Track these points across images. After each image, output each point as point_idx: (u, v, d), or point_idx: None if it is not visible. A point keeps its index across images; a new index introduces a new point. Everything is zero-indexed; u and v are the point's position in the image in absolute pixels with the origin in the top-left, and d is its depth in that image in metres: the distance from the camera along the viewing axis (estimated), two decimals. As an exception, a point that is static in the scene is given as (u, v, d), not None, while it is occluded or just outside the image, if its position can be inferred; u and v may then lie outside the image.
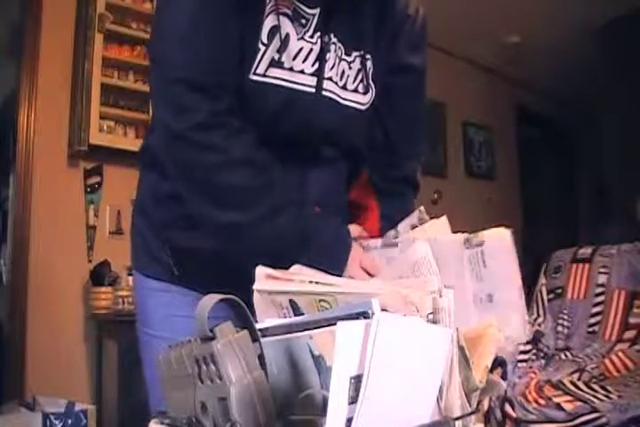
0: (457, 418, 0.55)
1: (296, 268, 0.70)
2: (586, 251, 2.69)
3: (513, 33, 4.47)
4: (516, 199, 5.31)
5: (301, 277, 0.65)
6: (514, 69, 5.02)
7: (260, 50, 0.88)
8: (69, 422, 2.09)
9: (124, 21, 2.95)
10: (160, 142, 0.91)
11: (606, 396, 1.89)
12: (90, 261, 2.78)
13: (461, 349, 0.59)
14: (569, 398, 1.92)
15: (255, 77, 0.89)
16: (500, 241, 0.76)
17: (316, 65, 0.93)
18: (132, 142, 2.87)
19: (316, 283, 0.63)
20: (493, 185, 5.08)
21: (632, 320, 2.39)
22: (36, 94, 2.69)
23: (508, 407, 1.99)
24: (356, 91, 0.98)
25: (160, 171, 0.97)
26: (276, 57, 0.89)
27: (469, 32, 4.25)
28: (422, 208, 0.90)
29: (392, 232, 0.92)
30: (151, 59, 0.90)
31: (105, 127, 2.85)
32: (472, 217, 4.69)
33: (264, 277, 0.67)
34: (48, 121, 2.73)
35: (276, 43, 0.88)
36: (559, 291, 2.66)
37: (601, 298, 2.52)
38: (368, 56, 0.99)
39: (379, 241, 0.90)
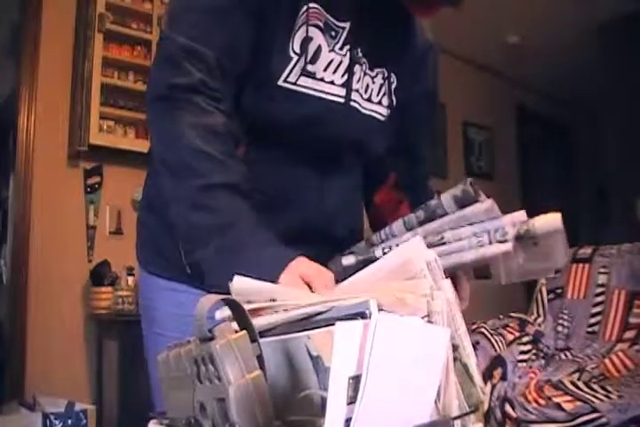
0: (456, 417, 0.54)
1: (238, 281, 0.66)
2: (586, 251, 2.69)
3: (513, 33, 4.47)
4: (516, 199, 5.31)
5: (274, 309, 0.62)
6: (514, 69, 5.01)
7: (292, 59, 0.91)
8: (69, 422, 2.08)
9: (124, 21, 2.95)
10: (148, 101, 0.90)
11: (606, 396, 1.89)
12: (90, 261, 2.79)
13: (465, 366, 0.58)
14: (569, 398, 1.91)
15: (286, 85, 0.91)
16: (551, 229, 0.76)
17: (345, 76, 0.96)
18: (131, 142, 2.87)
19: (293, 308, 0.60)
20: (493, 185, 5.08)
21: (632, 320, 2.39)
22: (36, 94, 2.70)
23: (508, 407, 1.99)
24: (379, 103, 1.02)
25: None
26: (308, 67, 0.91)
27: (469, 32, 4.25)
28: (470, 180, 0.82)
29: (433, 202, 0.82)
30: (167, 21, 0.91)
31: (105, 127, 2.85)
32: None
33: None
34: (48, 121, 2.73)
35: (308, 53, 0.91)
36: (559, 291, 2.66)
37: (601, 298, 2.52)
38: (392, 75, 1.03)
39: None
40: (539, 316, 2.64)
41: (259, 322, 0.61)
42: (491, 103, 5.10)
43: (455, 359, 0.57)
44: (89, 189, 2.84)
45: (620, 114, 4.12)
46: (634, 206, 3.97)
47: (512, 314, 2.60)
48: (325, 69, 0.94)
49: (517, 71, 5.04)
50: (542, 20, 4.11)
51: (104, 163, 2.86)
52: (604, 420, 1.77)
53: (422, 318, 0.56)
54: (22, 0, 2.75)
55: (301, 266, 0.75)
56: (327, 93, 0.95)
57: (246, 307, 0.61)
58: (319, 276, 0.73)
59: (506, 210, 0.83)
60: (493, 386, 2.09)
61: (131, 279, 2.71)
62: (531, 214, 0.84)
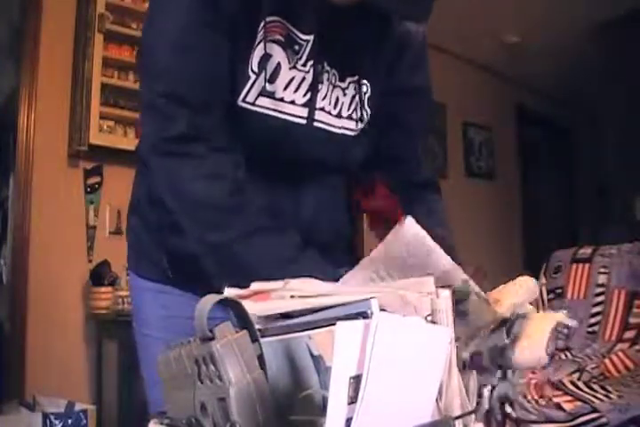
0: (457, 417, 0.54)
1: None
2: (586, 251, 2.69)
3: (513, 33, 4.47)
4: (516, 199, 5.31)
5: (281, 293, 0.62)
6: (514, 69, 5.01)
7: (250, 78, 0.87)
8: (69, 422, 2.08)
9: (124, 21, 2.95)
10: (144, 151, 0.91)
11: (606, 396, 1.89)
12: (90, 261, 2.78)
13: (477, 294, 0.60)
14: (569, 398, 1.91)
15: (244, 105, 0.88)
16: None
17: (308, 95, 0.92)
18: (131, 142, 2.86)
19: (300, 297, 0.60)
20: (493, 185, 5.08)
21: (632, 320, 2.39)
22: (36, 94, 2.69)
23: (507, 407, 1.99)
24: (350, 117, 0.98)
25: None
26: (267, 86, 0.87)
27: (469, 32, 4.25)
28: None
29: None
30: (140, 67, 0.90)
31: (105, 127, 2.85)
32: (472, 217, 4.70)
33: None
34: (48, 121, 2.73)
35: (266, 72, 0.87)
36: (559, 291, 2.66)
37: (601, 298, 2.52)
38: (364, 81, 0.98)
39: None
40: (539, 316, 2.64)
41: (266, 306, 0.61)
42: (491, 103, 5.10)
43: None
44: (89, 189, 2.83)
45: (619, 114, 4.12)
46: (633, 206, 3.97)
47: (512, 314, 2.59)
48: (286, 88, 0.90)
49: (517, 71, 5.04)
50: (542, 20, 4.10)
51: (104, 163, 2.86)
52: (603, 420, 1.77)
53: (426, 316, 0.56)
54: (22, 0, 2.74)
55: None
56: (287, 114, 0.91)
57: (257, 286, 0.62)
58: None
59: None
60: (493, 386, 2.09)
61: (130, 279, 2.71)
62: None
